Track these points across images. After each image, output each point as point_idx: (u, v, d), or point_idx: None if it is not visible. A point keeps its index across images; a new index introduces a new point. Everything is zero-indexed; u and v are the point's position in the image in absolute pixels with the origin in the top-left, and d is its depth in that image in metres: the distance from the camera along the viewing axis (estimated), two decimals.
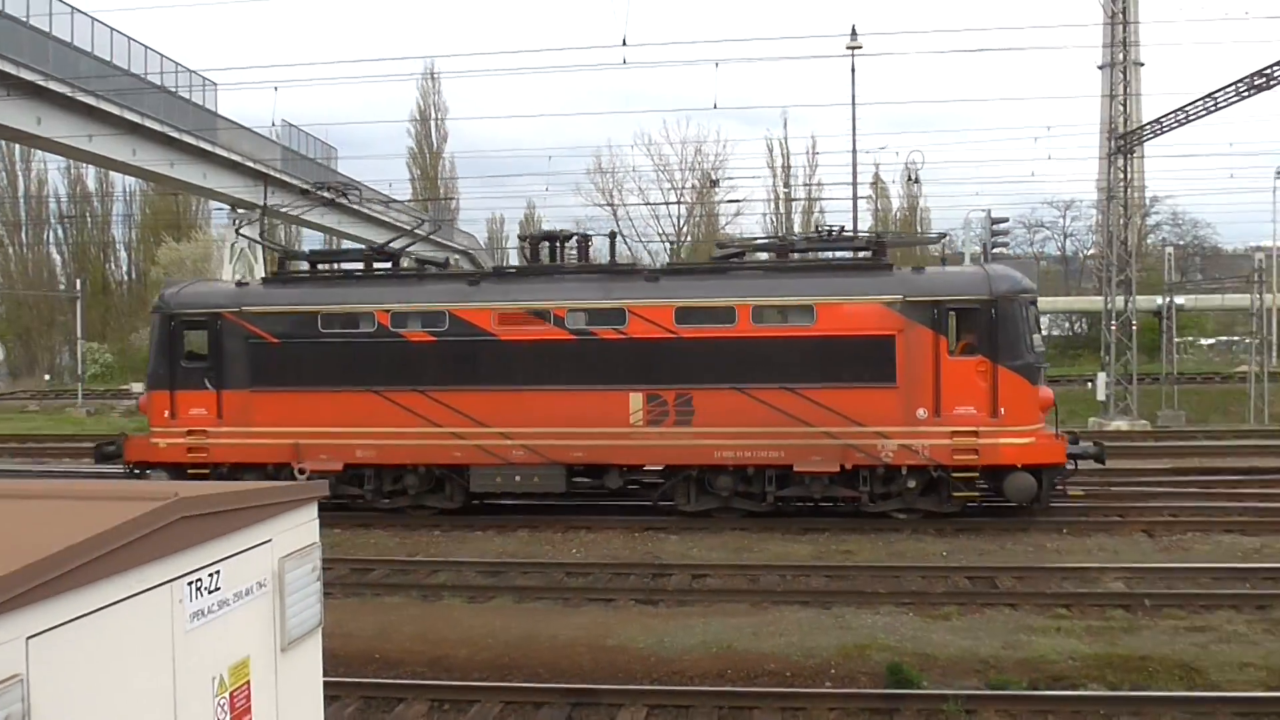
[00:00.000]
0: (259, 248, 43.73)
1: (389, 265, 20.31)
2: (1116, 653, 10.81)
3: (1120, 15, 34.87)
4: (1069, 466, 17.84)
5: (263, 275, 21.04)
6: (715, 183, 59.28)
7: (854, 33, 35.83)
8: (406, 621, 12.51)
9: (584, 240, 20.58)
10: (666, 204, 63.90)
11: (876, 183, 68.38)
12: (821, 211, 67.49)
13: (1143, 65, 66.00)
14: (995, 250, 32.39)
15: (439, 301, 18.76)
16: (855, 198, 40.85)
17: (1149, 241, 65.09)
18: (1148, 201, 64.37)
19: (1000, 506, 18.19)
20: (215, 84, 41.89)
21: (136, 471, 19.29)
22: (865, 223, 67.88)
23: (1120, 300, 35.16)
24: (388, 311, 18.68)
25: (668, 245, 66.05)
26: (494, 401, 18.26)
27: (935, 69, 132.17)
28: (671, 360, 17.86)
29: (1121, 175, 35.39)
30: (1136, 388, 34.56)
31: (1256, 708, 9.39)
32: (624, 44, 31.42)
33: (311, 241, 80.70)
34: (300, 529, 5.39)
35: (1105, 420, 33.81)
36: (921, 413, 17.31)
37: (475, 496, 19.12)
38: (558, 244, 19.95)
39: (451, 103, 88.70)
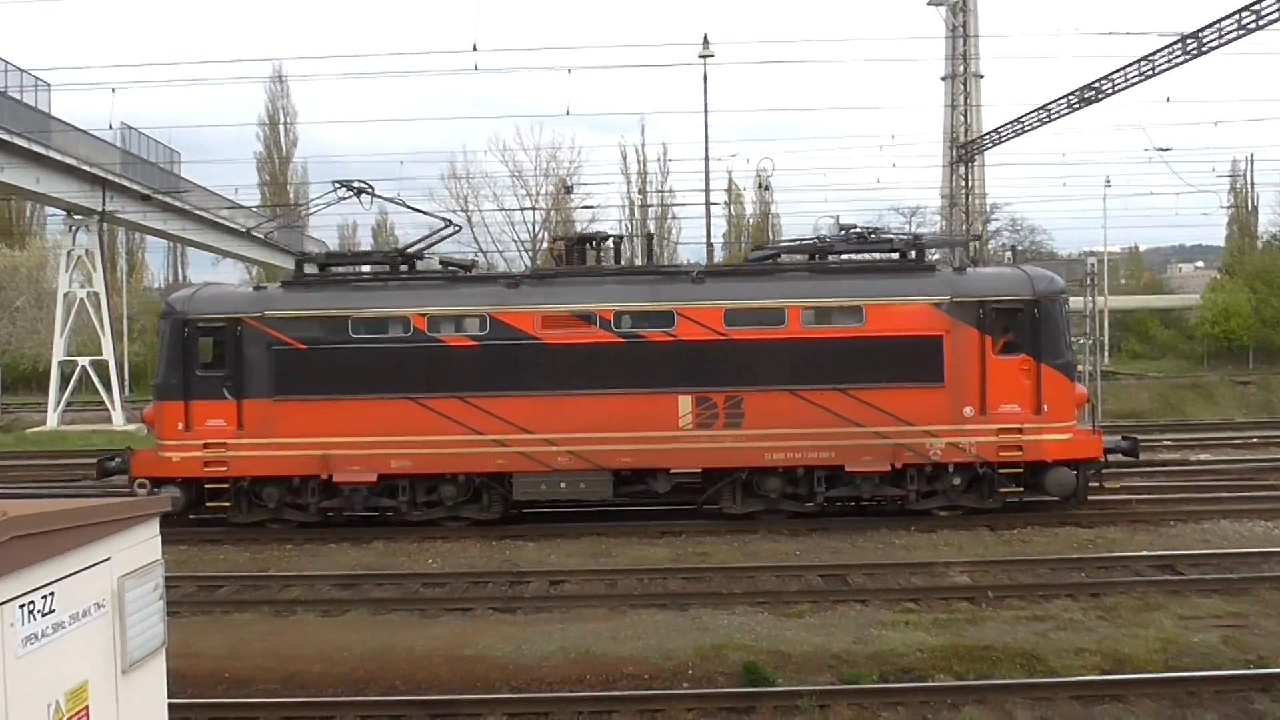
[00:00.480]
0: (98, 255, 42.04)
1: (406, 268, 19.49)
2: (962, 643, 11.20)
3: (960, 29, 36.21)
4: (1104, 461, 18.39)
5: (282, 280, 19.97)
6: (570, 189, 59.20)
7: (706, 41, 36.28)
8: (257, 639, 12.18)
9: (618, 242, 19.81)
10: (522, 210, 63.57)
11: (730, 189, 69.44)
12: (674, 218, 68.04)
13: (982, 77, 68.31)
14: None
15: (479, 305, 18.27)
16: (709, 204, 41.32)
17: (990, 246, 67.51)
18: (988, 208, 66.77)
19: (1025, 503, 18.48)
20: (49, 84, 40.04)
21: (142, 488, 18.03)
22: (720, 228, 68.87)
23: None
24: (424, 315, 18.05)
25: (524, 252, 65.75)
26: (538, 407, 17.86)
27: (786, 78, 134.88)
28: (721, 362, 17.84)
29: (963, 182, 36.73)
30: None
31: (1092, 690, 9.85)
32: (475, 49, 30.93)
33: (154, 248, 78.12)
34: (141, 546, 5.22)
35: None
36: (968, 411, 17.70)
37: (514, 505, 18.57)
38: (590, 246, 19.79)
39: (301, 106, 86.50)
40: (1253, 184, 68.40)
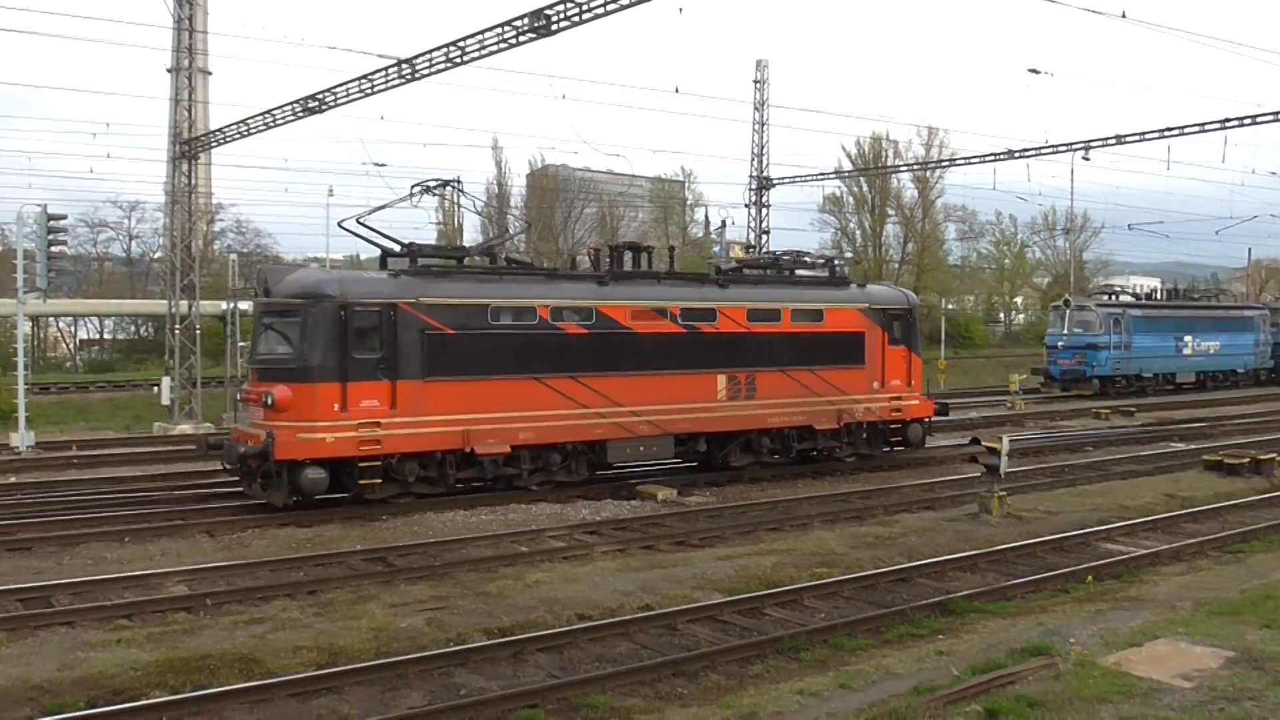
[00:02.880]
0: None
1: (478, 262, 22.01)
2: (179, 656, 10.83)
3: (187, 23, 35.06)
4: (934, 419, 26.66)
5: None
6: None
7: None
8: None
9: (649, 250, 24.01)
10: None
11: None
12: None
13: (211, 74, 67.07)
14: (54, 250, 30.48)
15: (587, 298, 21.30)
16: None
17: (215, 247, 66.34)
18: (213, 207, 65.55)
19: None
20: None
21: (278, 472, 18.17)
22: None
23: (185, 305, 35.41)
24: (547, 306, 20.65)
25: None
26: (629, 384, 21.47)
27: None
28: (744, 349, 23.17)
29: (186, 180, 35.65)
30: (201, 391, 35.07)
31: (309, 686, 10.05)
32: None
33: None
34: None
35: (170, 425, 33.74)
36: (876, 385, 25.08)
37: (596, 469, 21.77)
38: (638, 253, 23.50)
39: None
40: (459, 204, 75.00)
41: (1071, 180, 67.53)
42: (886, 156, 74.57)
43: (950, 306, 75.11)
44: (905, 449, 25.96)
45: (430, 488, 19.60)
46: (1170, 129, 36.95)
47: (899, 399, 25.49)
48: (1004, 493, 19.23)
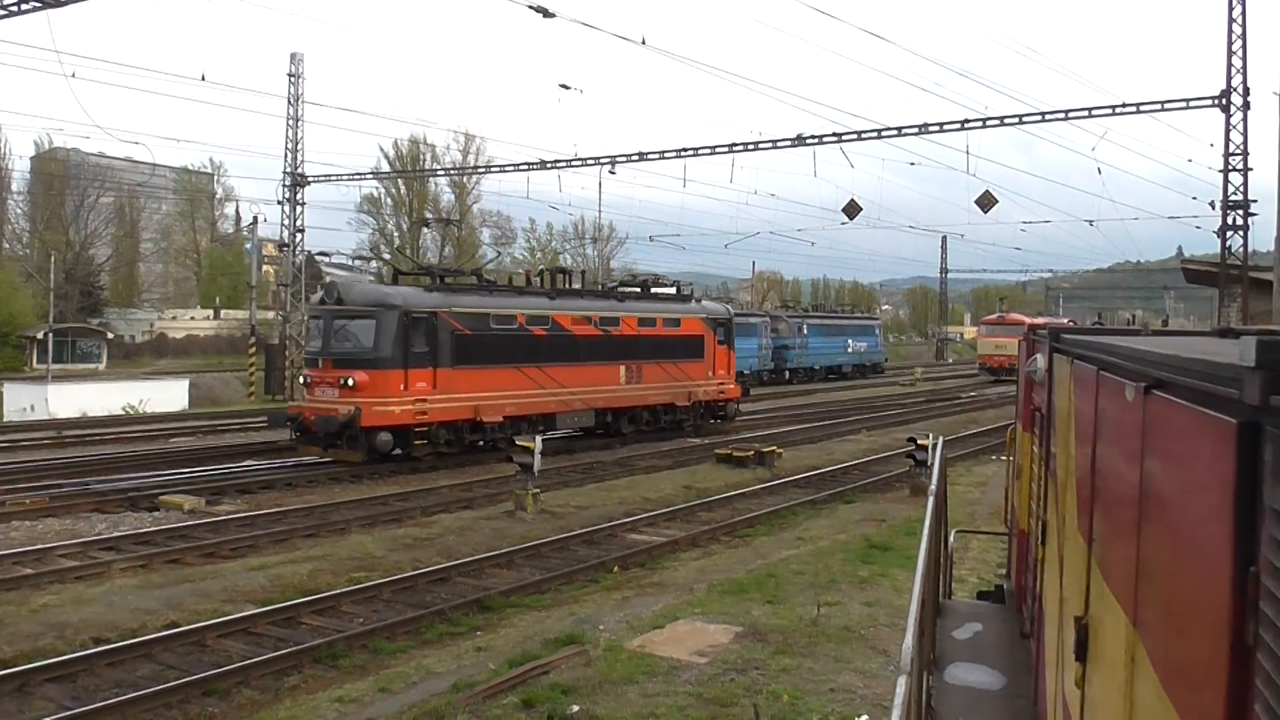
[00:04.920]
0: None
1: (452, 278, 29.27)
2: None
3: None
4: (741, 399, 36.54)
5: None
6: None
7: None
8: None
9: (568, 272, 34.38)
10: None
11: None
12: None
13: None
14: None
15: (545, 309, 28.81)
16: None
17: None
18: None
19: None
20: None
21: (363, 436, 23.70)
22: None
23: None
24: (524, 314, 28.01)
25: None
26: (571, 372, 28.94)
27: None
28: (634, 347, 31.06)
29: None
30: None
31: None
32: None
33: None
34: None
35: None
36: (709, 375, 33.68)
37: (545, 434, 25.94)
38: (559, 274, 33.13)
39: None
40: None
41: (600, 192, 71.27)
42: (425, 160, 74.93)
43: None
44: (724, 421, 34.99)
45: (449, 448, 25.95)
46: (686, 149, 40.09)
47: (724, 385, 34.63)
48: (538, 490, 19.98)
